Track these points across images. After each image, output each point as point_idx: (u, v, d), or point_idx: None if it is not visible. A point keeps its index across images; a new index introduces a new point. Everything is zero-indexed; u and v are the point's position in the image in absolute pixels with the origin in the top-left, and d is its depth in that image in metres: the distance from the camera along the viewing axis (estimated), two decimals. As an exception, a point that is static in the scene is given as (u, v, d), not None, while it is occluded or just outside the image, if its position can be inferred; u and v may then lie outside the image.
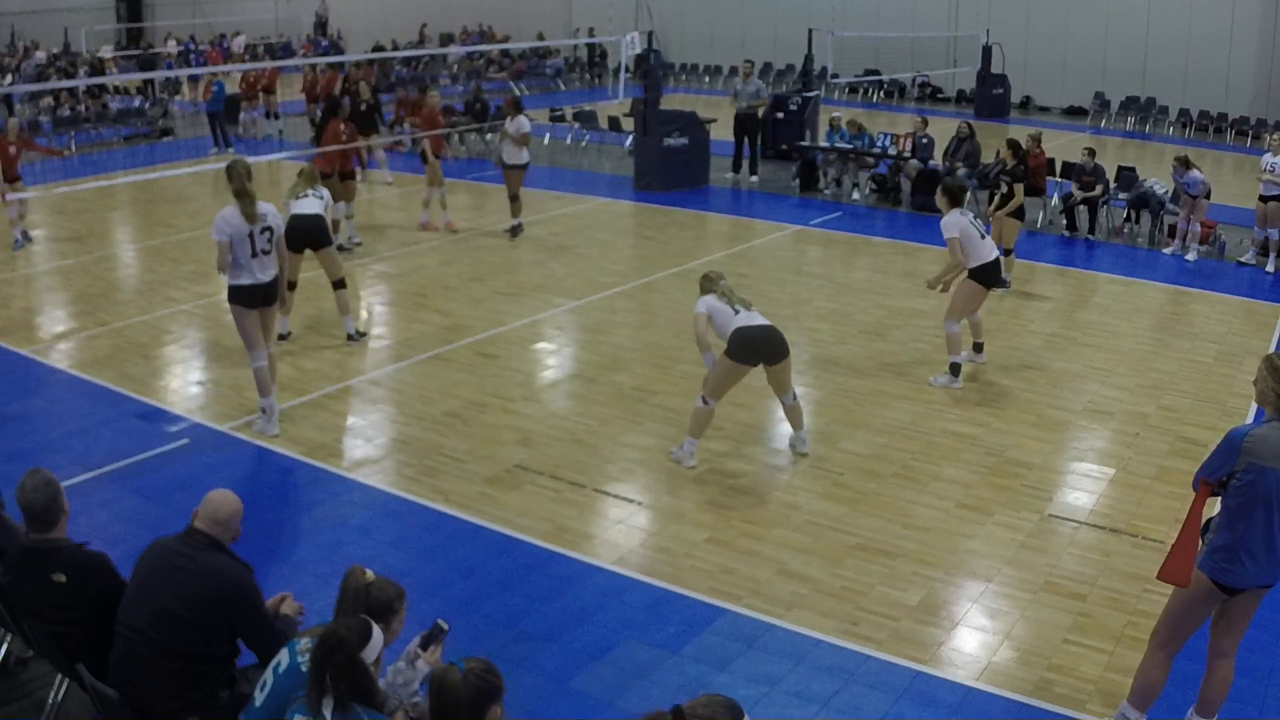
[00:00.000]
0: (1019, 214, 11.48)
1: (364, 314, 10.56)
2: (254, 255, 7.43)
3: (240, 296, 7.52)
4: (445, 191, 13.93)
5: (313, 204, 9.59)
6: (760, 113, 17.49)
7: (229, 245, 7.34)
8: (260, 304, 7.58)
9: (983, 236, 8.71)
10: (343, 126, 12.76)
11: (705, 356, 7.25)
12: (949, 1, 28.11)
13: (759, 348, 7.13)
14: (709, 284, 7.36)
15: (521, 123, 13.10)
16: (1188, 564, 4.32)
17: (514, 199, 13.37)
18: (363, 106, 16.25)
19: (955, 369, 8.74)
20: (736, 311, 7.15)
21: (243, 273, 7.45)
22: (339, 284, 9.71)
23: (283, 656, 3.66)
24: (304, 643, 3.64)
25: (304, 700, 3.34)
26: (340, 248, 12.88)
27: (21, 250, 12.90)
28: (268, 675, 3.65)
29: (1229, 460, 4.27)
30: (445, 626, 3.83)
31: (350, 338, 9.69)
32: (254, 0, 35.57)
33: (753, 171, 17.56)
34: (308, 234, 9.42)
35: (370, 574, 3.77)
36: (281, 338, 9.55)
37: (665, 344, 9.70)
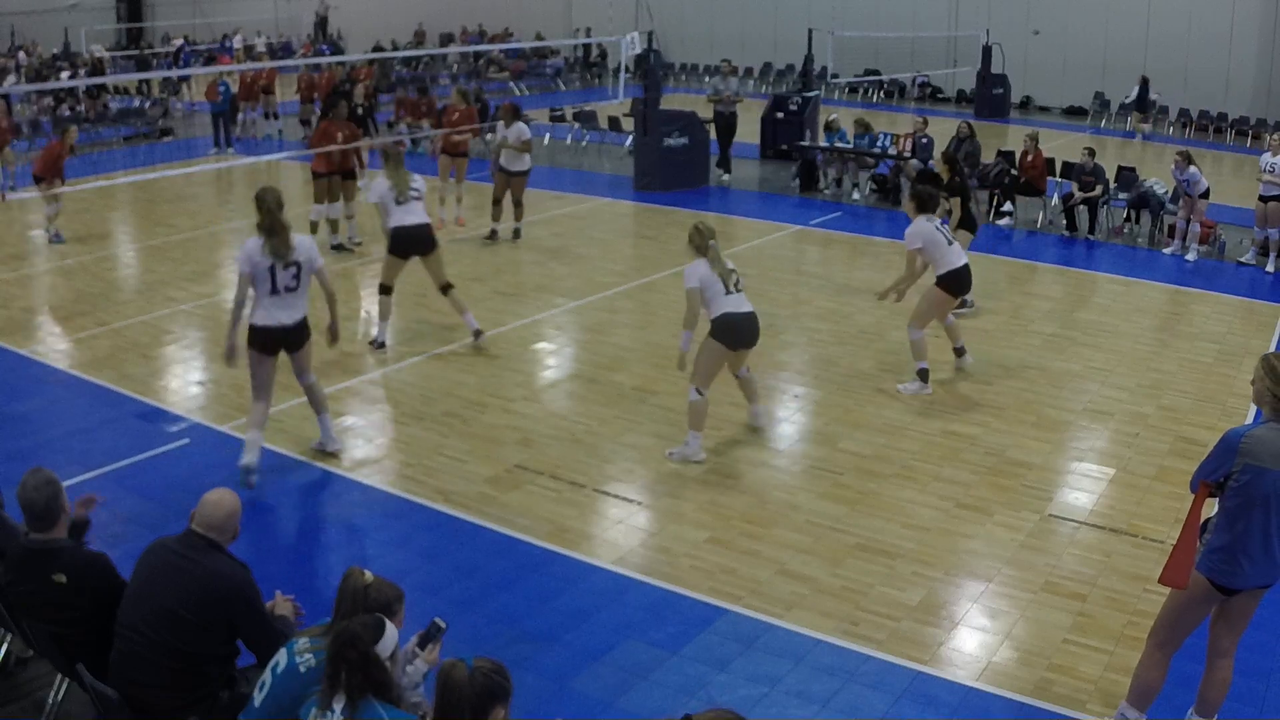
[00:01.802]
0: (969, 226, 10.60)
1: (363, 314, 10.55)
2: (274, 292, 6.64)
3: (255, 339, 6.73)
4: (451, 190, 13.92)
5: (417, 211, 9.29)
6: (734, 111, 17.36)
7: (249, 278, 6.66)
8: (281, 349, 6.85)
9: (950, 243, 8.56)
10: (336, 127, 12.74)
11: (685, 335, 7.28)
12: (949, 1, 28.12)
13: (743, 336, 7.29)
14: (700, 239, 7.19)
15: (522, 129, 13.12)
16: (1186, 566, 4.32)
17: (517, 204, 13.38)
18: (359, 110, 16.26)
19: (923, 374, 8.64)
20: (729, 292, 7.18)
21: (259, 311, 6.70)
22: (447, 287, 9.42)
23: (281, 657, 3.67)
24: (302, 643, 3.65)
25: (317, 696, 3.35)
26: (341, 247, 12.92)
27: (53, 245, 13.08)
28: (266, 675, 3.66)
29: (1226, 461, 4.27)
30: (443, 625, 3.83)
31: (477, 334, 9.43)
32: (254, 0, 35.56)
33: (727, 170, 17.45)
34: (417, 242, 9.24)
35: (369, 575, 3.77)
36: (380, 345, 9.42)
37: (665, 344, 9.68)
